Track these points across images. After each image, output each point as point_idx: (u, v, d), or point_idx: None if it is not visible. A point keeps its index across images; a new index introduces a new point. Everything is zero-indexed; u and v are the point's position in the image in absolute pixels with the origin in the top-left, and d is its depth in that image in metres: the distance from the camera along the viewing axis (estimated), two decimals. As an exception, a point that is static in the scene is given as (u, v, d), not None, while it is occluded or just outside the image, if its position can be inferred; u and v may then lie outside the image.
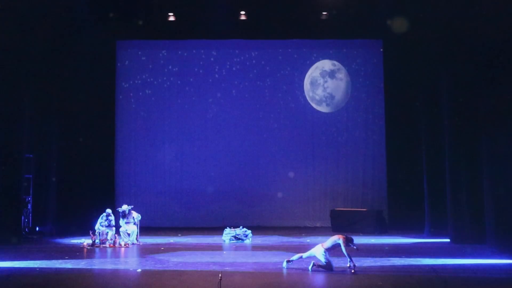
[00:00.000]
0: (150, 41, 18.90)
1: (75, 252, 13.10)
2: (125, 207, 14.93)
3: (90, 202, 16.98)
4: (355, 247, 10.58)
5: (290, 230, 17.45)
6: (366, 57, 19.01)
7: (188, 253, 12.84)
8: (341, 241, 10.47)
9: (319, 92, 19.06)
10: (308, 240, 15.10)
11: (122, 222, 14.74)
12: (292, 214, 18.66)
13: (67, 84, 17.26)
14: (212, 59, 19.13)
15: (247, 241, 14.98)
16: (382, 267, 11.01)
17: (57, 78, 16.89)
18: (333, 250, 10.55)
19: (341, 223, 16.82)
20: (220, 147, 18.86)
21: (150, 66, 19.08)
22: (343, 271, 10.45)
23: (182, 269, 10.91)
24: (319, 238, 14.23)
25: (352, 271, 10.33)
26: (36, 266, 11.20)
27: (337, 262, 10.65)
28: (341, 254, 10.60)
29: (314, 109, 19.00)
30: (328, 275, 10.24)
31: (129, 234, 14.49)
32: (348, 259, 10.43)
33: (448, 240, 14.53)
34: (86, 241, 14.20)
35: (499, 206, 12.64)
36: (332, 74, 19.06)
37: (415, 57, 16.66)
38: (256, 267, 11.06)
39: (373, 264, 11.29)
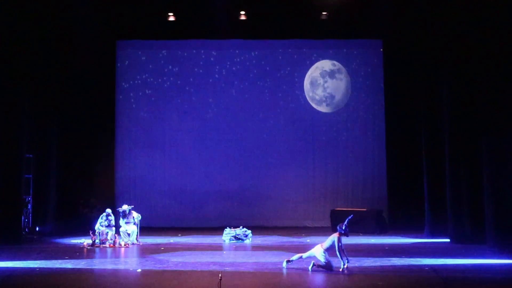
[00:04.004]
0: (150, 41, 18.89)
1: (75, 252, 13.10)
2: (125, 207, 14.93)
3: (90, 202, 16.99)
4: (348, 218, 10.76)
5: (290, 230, 17.44)
6: (366, 57, 19.01)
7: (188, 253, 12.84)
8: (335, 238, 10.50)
9: (319, 92, 19.06)
10: (308, 240, 15.11)
11: (122, 222, 14.74)
12: (292, 214, 18.66)
13: (67, 84, 17.30)
14: (212, 59, 19.13)
15: (247, 241, 14.98)
16: (382, 267, 11.01)
17: (57, 78, 16.91)
18: (332, 249, 10.56)
19: (341, 223, 16.78)
20: (220, 147, 18.85)
21: (150, 66, 19.08)
22: (343, 271, 10.45)
23: (182, 269, 10.91)
24: (319, 238, 14.20)
25: (340, 269, 10.36)
26: (36, 266, 11.20)
27: (337, 262, 10.65)
28: (341, 254, 10.63)
29: (314, 109, 19.00)
30: (328, 275, 10.25)
31: (129, 234, 14.50)
32: (340, 259, 10.44)
33: (448, 240, 14.53)
34: (86, 241, 14.20)
35: (499, 206, 12.64)
36: (332, 74, 19.06)
37: (415, 57, 16.66)
38: (256, 267, 11.06)
39: (373, 264, 11.30)
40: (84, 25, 16.89)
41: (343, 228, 10.66)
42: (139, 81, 19.04)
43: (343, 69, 19.05)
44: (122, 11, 17.11)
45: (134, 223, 14.73)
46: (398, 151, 17.98)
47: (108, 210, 14.63)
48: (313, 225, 18.43)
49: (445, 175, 14.78)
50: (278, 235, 16.30)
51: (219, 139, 18.90)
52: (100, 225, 14.32)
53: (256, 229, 16.50)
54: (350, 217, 10.97)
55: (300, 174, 18.79)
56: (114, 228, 14.43)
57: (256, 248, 14.04)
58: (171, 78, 19.09)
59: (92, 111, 17.81)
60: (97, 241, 13.99)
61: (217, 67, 19.10)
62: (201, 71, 19.09)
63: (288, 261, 10.87)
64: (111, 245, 14.02)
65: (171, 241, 15.21)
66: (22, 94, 14.90)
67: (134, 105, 18.96)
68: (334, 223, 16.98)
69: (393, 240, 15.07)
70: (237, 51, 19.15)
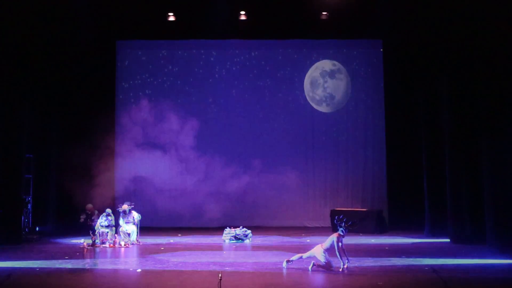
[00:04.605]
0: (150, 41, 18.89)
1: (75, 252, 13.12)
2: (125, 207, 14.92)
3: (90, 202, 16.99)
4: (356, 224, 10.73)
5: (290, 230, 17.44)
6: (366, 57, 19.01)
7: (188, 253, 12.85)
8: (335, 238, 10.51)
9: (319, 92, 19.05)
10: (308, 240, 15.12)
11: (122, 221, 14.73)
12: (292, 214, 18.65)
13: (67, 84, 17.29)
14: (212, 59, 19.13)
15: (247, 241, 14.98)
16: (382, 267, 11.02)
17: (57, 78, 16.91)
18: (332, 250, 10.57)
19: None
20: (220, 147, 18.82)
21: (150, 66, 19.08)
22: (343, 271, 10.46)
23: (182, 269, 10.92)
24: (319, 238, 14.21)
25: (340, 269, 10.37)
26: (36, 266, 11.21)
27: (337, 262, 10.65)
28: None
29: (314, 109, 18.99)
30: (328, 275, 10.25)
31: (129, 234, 14.50)
32: (340, 260, 10.45)
33: (448, 240, 14.53)
34: (86, 241, 14.19)
35: (499, 206, 12.65)
36: (332, 74, 19.06)
37: (415, 57, 16.66)
38: (256, 267, 11.07)
39: (373, 264, 11.30)
40: (84, 25, 16.88)
41: (343, 230, 10.64)
42: (139, 81, 19.04)
43: (343, 69, 19.04)
44: (122, 11, 17.08)
45: (134, 223, 14.72)
46: (398, 151, 17.98)
47: (108, 210, 14.65)
48: (313, 225, 18.43)
49: (445, 175, 14.79)
50: (278, 235, 16.30)
51: (219, 139, 18.89)
52: (100, 225, 14.33)
53: (256, 229, 16.51)
54: (353, 223, 10.91)
55: (300, 174, 18.77)
56: (114, 228, 14.44)
57: (256, 248, 14.05)
58: (171, 78, 19.09)
59: (92, 111, 17.79)
60: (97, 241, 14.00)
61: (217, 67, 19.10)
62: (201, 71, 19.09)
63: (288, 261, 10.88)
64: (111, 245, 14.03)
65: (171, 241, 15.21)
66: (22, 94, 14.91)
67: (134, 105, 18.93)
68: (334, 223, 17.02)
69: (393, 240, 15.07)
70: (237, 51, 19.15)
